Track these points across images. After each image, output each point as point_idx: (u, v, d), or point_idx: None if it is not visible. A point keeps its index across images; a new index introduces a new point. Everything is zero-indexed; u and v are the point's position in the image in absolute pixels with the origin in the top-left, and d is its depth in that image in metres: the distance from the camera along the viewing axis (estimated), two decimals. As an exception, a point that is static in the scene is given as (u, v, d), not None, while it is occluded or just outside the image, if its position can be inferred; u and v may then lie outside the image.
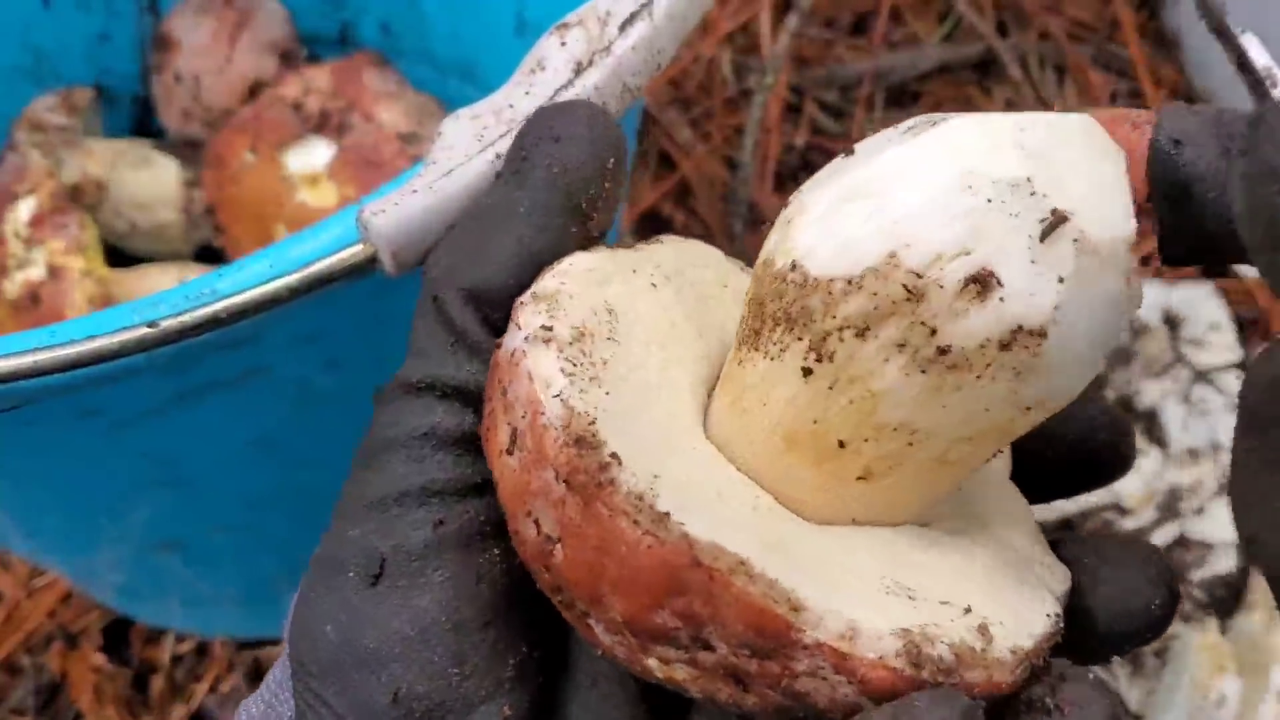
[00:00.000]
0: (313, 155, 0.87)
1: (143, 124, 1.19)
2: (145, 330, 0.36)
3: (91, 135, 1.06)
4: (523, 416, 0.33)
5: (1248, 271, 1.11)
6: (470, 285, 0.37)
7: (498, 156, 0.39)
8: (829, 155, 1.22)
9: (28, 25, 1.06)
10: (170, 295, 0.39)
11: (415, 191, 0.38)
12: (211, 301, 0.37)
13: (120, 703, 0.99)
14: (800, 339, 0.34)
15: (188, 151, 1.05)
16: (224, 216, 0.98)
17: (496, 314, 0.37)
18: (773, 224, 0.37)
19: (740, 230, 1.12)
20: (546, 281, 0.36)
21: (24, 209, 0.90)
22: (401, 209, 0.38)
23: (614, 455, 0.32)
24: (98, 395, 0.44)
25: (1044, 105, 1.25)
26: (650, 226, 1.21)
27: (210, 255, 1.05)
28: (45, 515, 0.62)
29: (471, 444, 0.37)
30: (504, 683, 0.36)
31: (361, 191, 0.86)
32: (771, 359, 0.34)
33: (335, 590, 0.36)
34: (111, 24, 1.12)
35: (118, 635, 1.02)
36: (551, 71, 0.40)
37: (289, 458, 0.58)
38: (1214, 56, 1.18)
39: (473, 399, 0.37)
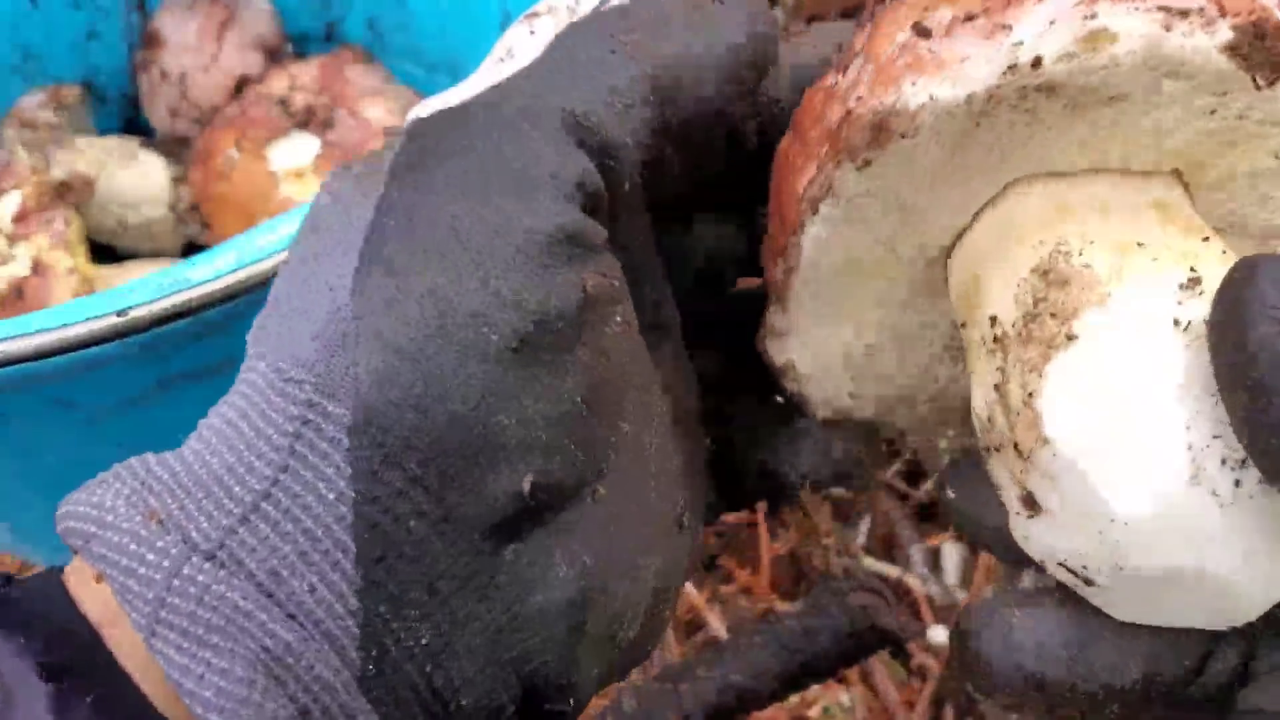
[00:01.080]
0: (298, 151, 0.88)
1: (132, 121, 1.19)
2: (115, 319, 0.37)
3: (82, 132, 1.06)
4: None
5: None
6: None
7: None
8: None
9: (16, 23, 1.06)
10: (141, 285, 0.39)
11: None
12: (180, 290, 0.38)
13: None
14: None
15: (175, 148, 1.05)
16: (210, 212, 0.98)
17: None
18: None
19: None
20: None
21: (8, 205, 0.90)
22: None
23: None
24: (71, 385, 0.45)
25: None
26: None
27: (198, 251, 1.05)
28: (26, 507, 0.62)
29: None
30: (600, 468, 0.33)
31: (347, 186, 0.87)
32: None
33: (470, 352, 0.30)
34: (99, 21, 1.13)
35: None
36: (520, 60, 0.40)
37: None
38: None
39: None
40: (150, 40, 1.06)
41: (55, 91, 1.04)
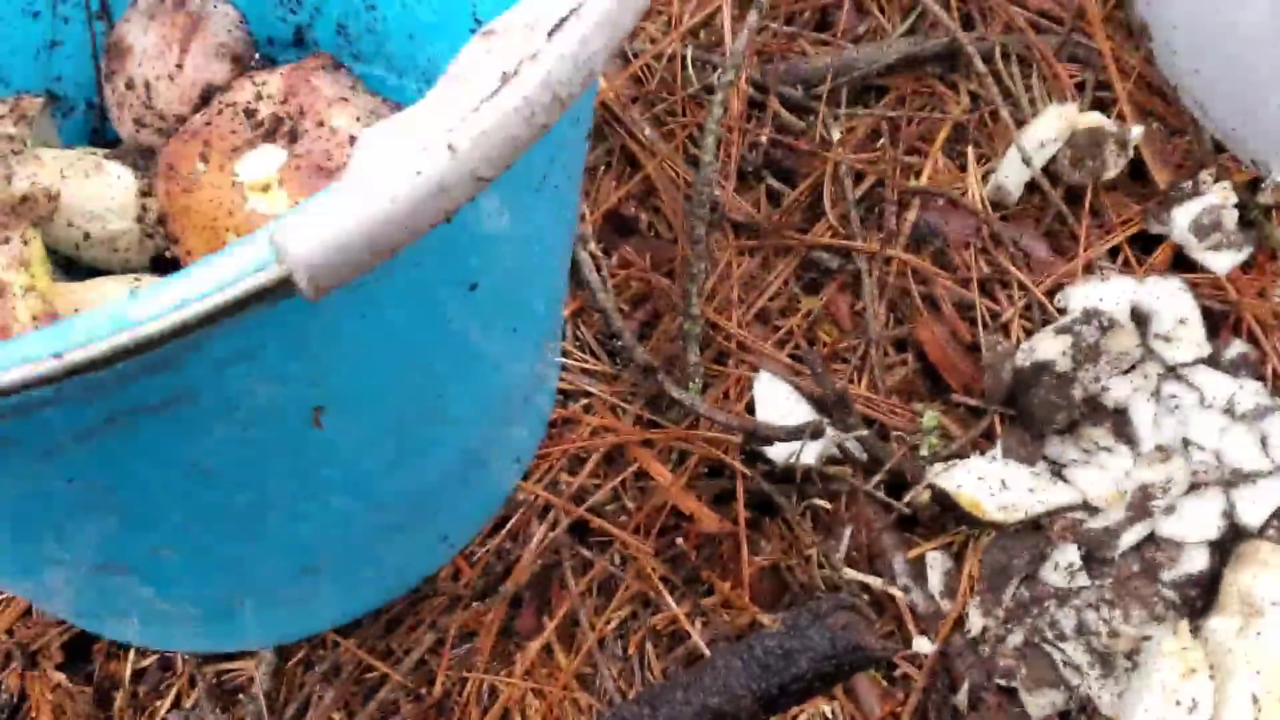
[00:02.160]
0: (264, 163, 0.86)
1: (98, 133, 1.17)
2: (51, 362, 0.35)
3: (47, 144, 1.04)
4: None
5: (1215, 264, 1.11)
6: None
7: (418, 173, 0.37)
8: (792, 151, 1.21)
9: (-30, 35, 1.04)
10: (78, 323, 0.37)
11: (331, 211, 0.36)
12: (121, 330, 0.36)
13: (85, 717, 0.98)
14: None
15: (142, 159, 1.03)
16: (177, 226, 0.96)
17: None
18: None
19: (702, 231, 1.11)
20: None
21: (-36, 224, 0.88)
22: (317, 230, 0.36)
23: None
24: (16, 425, 0.43)
25: (1010, 98, 1.23)
26: (614, 226, 1.20)
27: (166, 266, 1.03)
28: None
29: None
30: None
31: (314, 199, 0.85)
32: None
33: None
34: (60, 30, 1.11)
35: (79, 651, 1.01)
36: (476, 82, 0.39)
37: (226, 480, 0.57)
38: (1180, 46, 1.18)
39: None
40: (114, 49, 1.04)
41: (16, 102, 1.02)
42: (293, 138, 0.86)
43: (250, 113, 0.90)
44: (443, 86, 0.39)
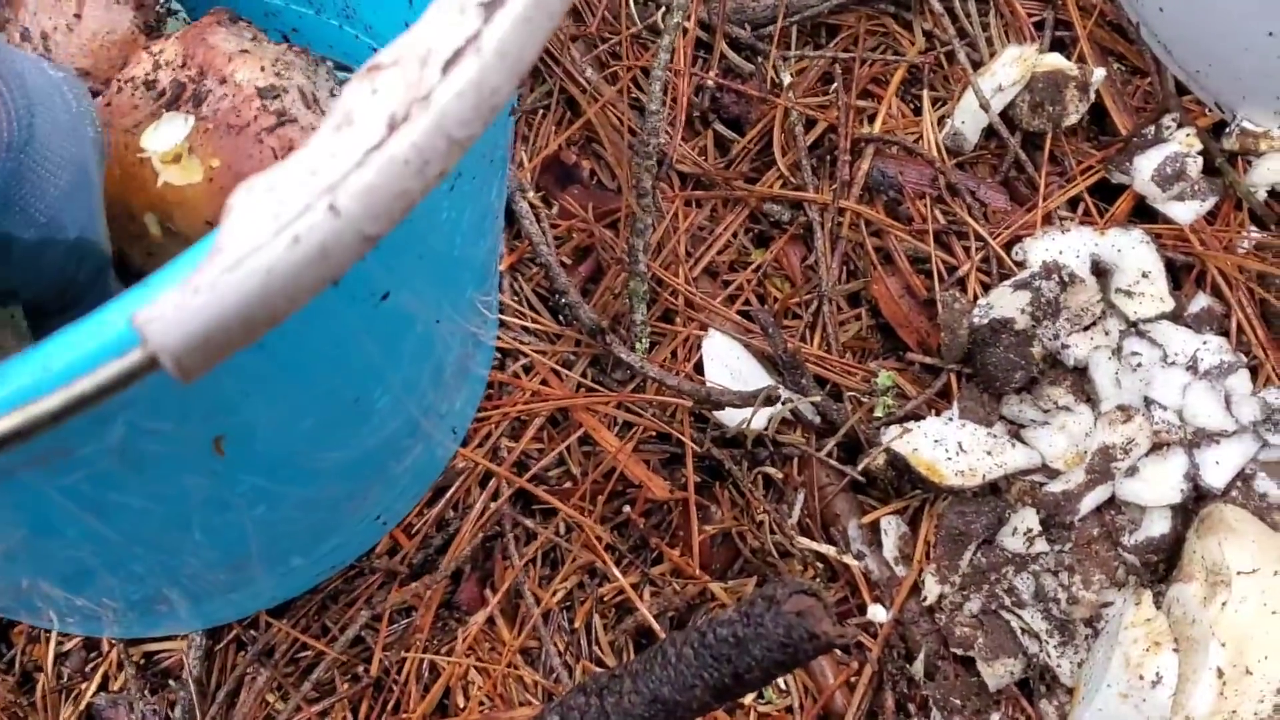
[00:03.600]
0: (170, 133, 0.79)
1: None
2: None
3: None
4: None
5: (1179, 215, 1.07)
6: None
7: (296, 240, 0.32)
8: (741, 97, 1.15)
9: None
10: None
11: (197, 291, 0.31)
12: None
13: (2, 705, 0.93)
14: None
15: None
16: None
17: None
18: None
19: (649, 184, 1.06)
20: None
21: None
22: (181, 313, 0.31)
23: None
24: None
25: (966, 38, 1.19)
26: (554, 175, 1.14)
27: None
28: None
29: None
30: None
31: (229, 160, 0.79)
32: None
33: None
34: (-44, -28, 1.03)
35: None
36: (361, 128, 0.33)
37: (132, 510, 0.52)
38: (1142, -17, 1.13)
39: None
40: (8, -4, 0.97)
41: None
42: (196, 101, 0.79)
43: (150, 84, 0.83)
44: (325, 134, 0.33)
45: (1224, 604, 0.82)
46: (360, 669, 0.93)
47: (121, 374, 0.33)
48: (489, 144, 0.64)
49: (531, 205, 1.09)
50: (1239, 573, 0.83)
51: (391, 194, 0.33)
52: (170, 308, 0.31)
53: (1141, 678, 0.81)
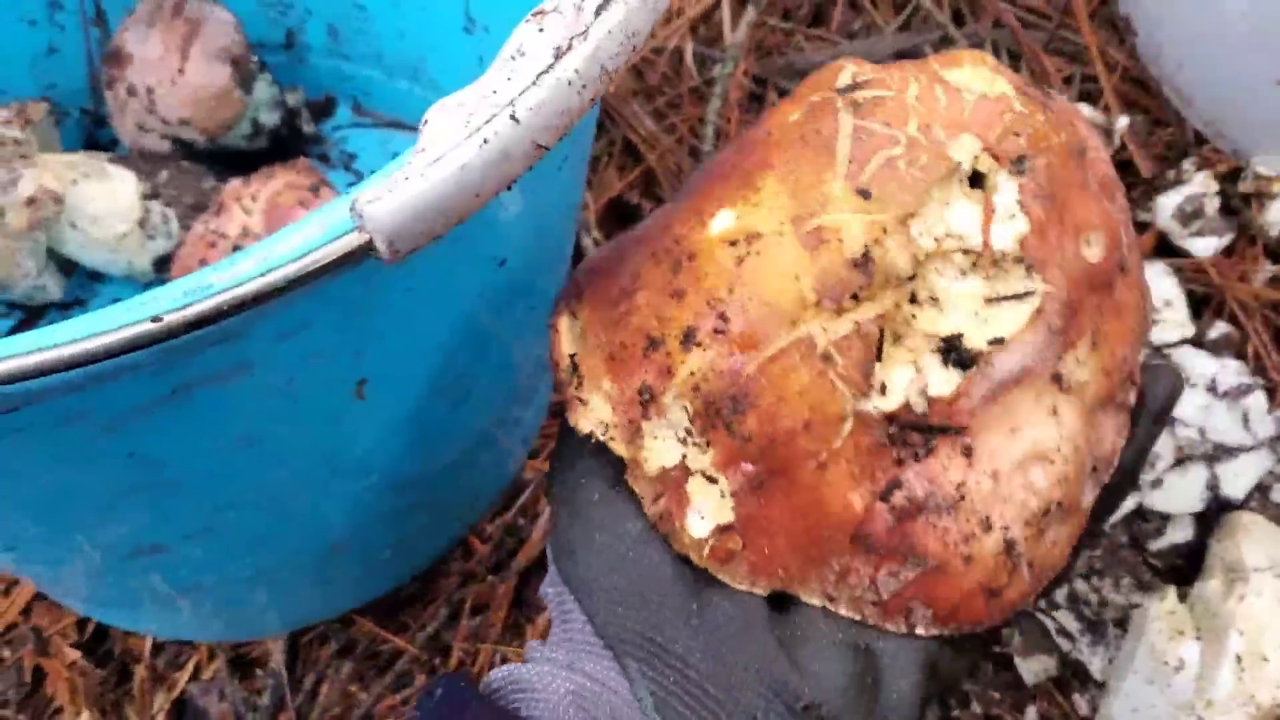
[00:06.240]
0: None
1: (92, 138, 1.18)
2: (150, 325, 0.37)
3: (48, 149, 1.06)
4: None
5: (1198, 250, 1.14)
6: None
7: (485, 142, 0.40)
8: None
9: (-30, 44, 1.06)
10: (167, 290, 0.40)
11: (408, 178, 0.39)
12: (208, 296, 0.38)
13: (99, 694, 0.98)
14: None
15: (143, 164, 1.05)
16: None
17: None
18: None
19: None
20: None
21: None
22: (396, 196, 0.39)
23: None
24: (90, 396, 0.45)
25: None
26: (616, 214, 1.22)
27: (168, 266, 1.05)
28: (24, 526, 0.62)
29: None
30: None
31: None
32: None
33: None
34: (57, 38, 1.12)
35: (97, 628, 1.01)
36: (532, 57, 0.41)
37: (270, 454, 0.59)
38: (1164, 41, 1.22)
39: None
40: (114, 57, 1.06)
41: (21, 108, 1.04)
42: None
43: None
44: (500, 63, 0.42)
45: (1242, 597, 0.88)
46: (437, 661, 0.99)
47: (343, 252, 0.40)
48: (584, 132, 0.72)
49: (596, 242, 1.17)
50: (1255, 569, 0.89)
51: (558, 109, 0.41)
52: (385, 191, 0.39)
53: (1166, 663, 0.87)
